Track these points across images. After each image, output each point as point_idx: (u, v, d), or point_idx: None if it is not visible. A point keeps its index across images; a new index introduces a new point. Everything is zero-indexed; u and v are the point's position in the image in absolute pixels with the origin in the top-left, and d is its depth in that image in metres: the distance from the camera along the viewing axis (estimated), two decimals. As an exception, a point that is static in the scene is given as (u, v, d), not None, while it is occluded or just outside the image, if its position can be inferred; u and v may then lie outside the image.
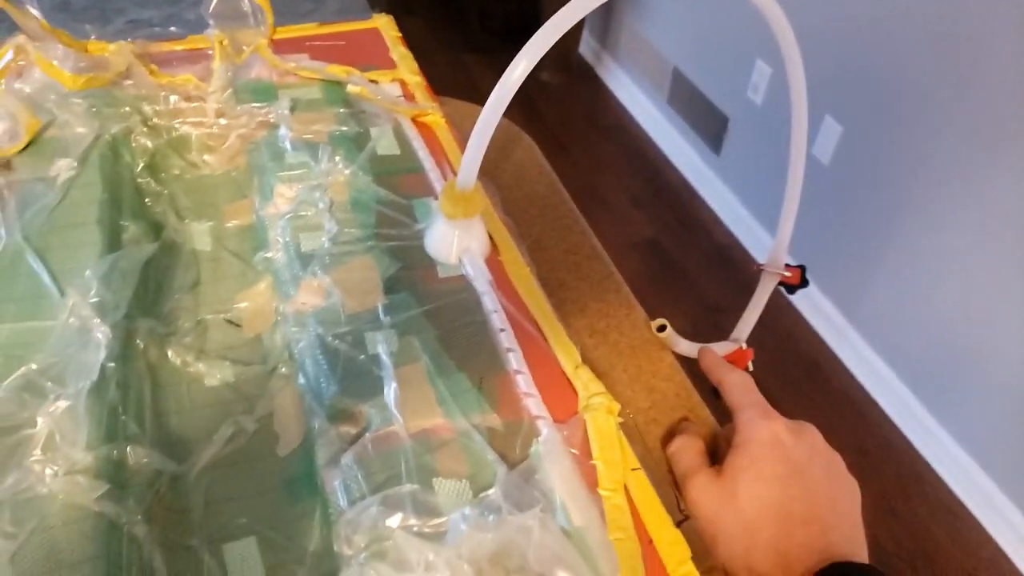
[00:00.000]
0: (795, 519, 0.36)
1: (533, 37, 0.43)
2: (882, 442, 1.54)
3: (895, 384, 1.54)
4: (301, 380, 0.42)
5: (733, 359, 0.55)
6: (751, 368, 0.58)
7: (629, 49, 2.31)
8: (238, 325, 0.48)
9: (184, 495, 0.38)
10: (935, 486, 1.48)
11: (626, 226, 1.97)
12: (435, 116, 0.59)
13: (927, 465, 1.50)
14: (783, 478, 0.37)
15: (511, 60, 0.39)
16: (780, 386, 1.59)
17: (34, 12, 0.56)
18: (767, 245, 1.87)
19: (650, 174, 2.14)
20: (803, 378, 1.63)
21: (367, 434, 0.38)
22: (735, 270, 1.86)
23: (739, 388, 0.42)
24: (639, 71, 2.28)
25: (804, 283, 0.56)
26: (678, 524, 0.35)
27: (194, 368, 0.44)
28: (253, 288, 0.49)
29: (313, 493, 0.39)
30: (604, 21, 2.43)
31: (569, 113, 2.36)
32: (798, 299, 1.76)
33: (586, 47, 2.56)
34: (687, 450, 0.42)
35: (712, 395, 0.55)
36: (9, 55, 0.53)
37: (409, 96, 0.61)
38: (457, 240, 0.47)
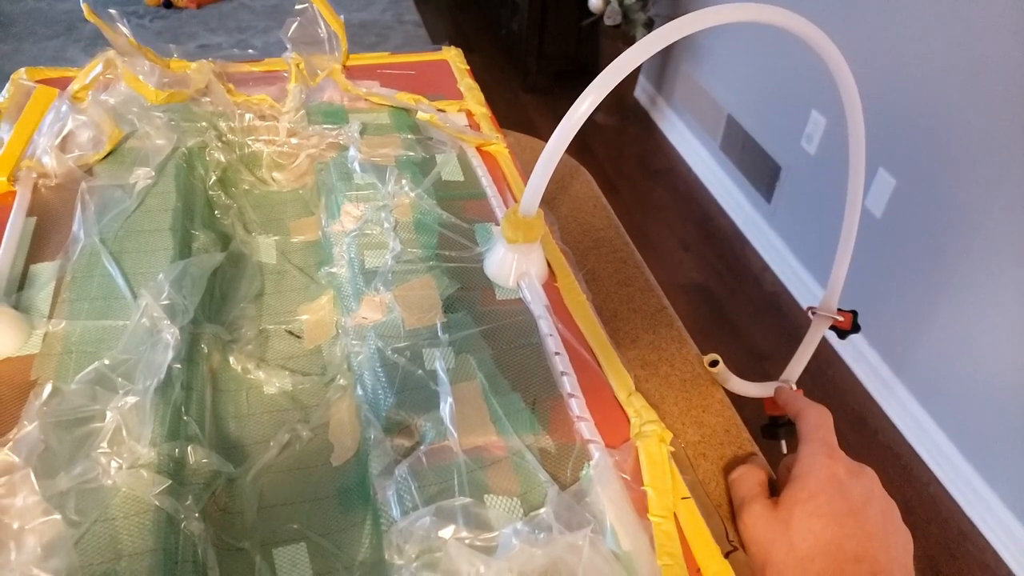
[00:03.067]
0: (847, 556, 0.35)
1: (601, 74, 0.44)
2: (927, 500, 1.49)
3: (941, 441, 1.50)
4: (359, 391, 0.42)
5: (787, 399, 0.55)
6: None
7: (684, 95, 2.32)
8: (299, 336, 0.49)
9: (238, 498, 0.39)
10: (980, 547, 1.42)
11: (675, 269, 1.96)
12: (499, 146, 0.60)
13: (972, 526, 1.45)
14: (840, 516, 0.37)
15: (567, 101, 0.40)
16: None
17: (124, 29, 0.59)
18: (816, 294, 1.84)
19: (700, 219, 2.14)
20: (848, 431, 1.59)
21: (421, 447, 0.38)
22: (783, 319, 1.84)
23: (813, 421, 0.43)
24: (693, 117, 2.29)
25: (856, 328, 0.56)
26: (726, 555, 0.35)
27: (254, 375, 0.46)
28: (315, 302, 0.50)
29: (365, 503, 0.39)
30: (660, 67, 2.45)
31: (621, 155, 2.37)
32: (845, 351, 1.72)
33: (641, 92, 2.59)
34: (748, 478, 0.42)
35: (763, 433, 0.54)
36: (99, 68, 0.56)
37: (474, 126, 0.63)
38: (516, 264, 0.47)
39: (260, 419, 0.44)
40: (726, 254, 2.02)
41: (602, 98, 0.43)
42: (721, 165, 2.17)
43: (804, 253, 1.85)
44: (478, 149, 0.60)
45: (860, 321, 0.56)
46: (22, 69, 0.61)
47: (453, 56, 0.72)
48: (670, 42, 0.42)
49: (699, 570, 0.34)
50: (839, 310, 0.55)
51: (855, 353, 1.69)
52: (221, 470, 0.39)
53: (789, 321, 1.83)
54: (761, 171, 1.96)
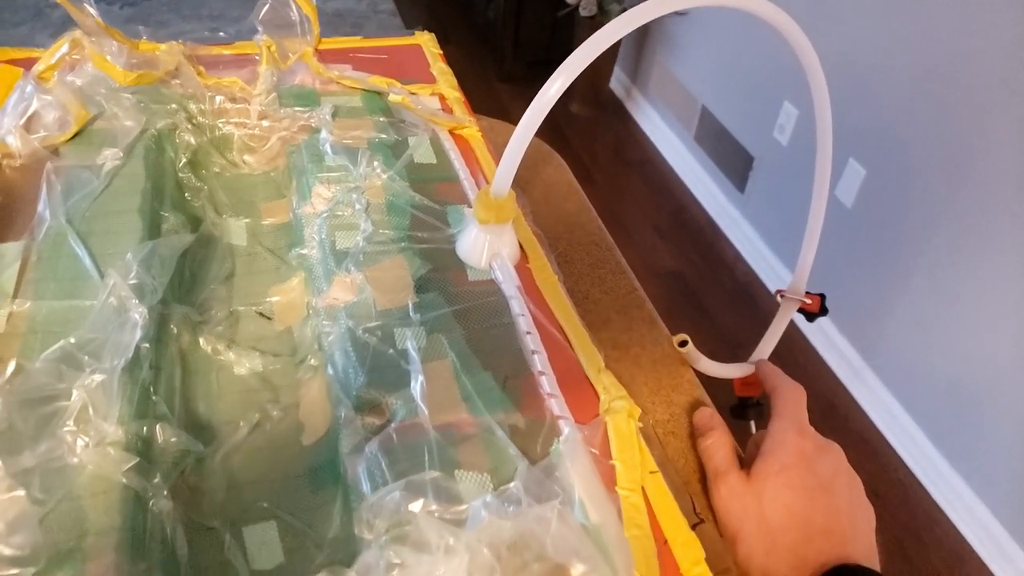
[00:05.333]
0: (816, 528, 0.36)
1: (572, 55, 0.44)
2: (896, 485, 1.52)
3: (910, 427, 1.52)
4: (330, 371, 0.42)
5: (752, 380, 0.56)
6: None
7: (659, 86, 2.34)
8: (269, 318, 0.49)
9: (208, 477, 0.39)
10: (947, 531, 1.45)
11: (649, 257, 1.97)
12: (472, 129, 0.60)
13: (940, 510, 1.48)
14: (810, 489, 0.38)
15: (541, 89, 0.41)
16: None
17: (91, 10, 0.58)
18: (787, 283, 1.86)
19: (675, 208, 2.15)
20: (819, 418, 1.61)
21: (392, 424, 0.38)
22: (755, 307, 1.86)
23: (788, 399, 0.44)
24: (667, 108, 2.30)
25: (824, 311, 0.57)
26: (693, 527, 0.35)
27: (224, 356, 0.45)
28: (286, 283, 0.50)
29: (335, 482, 0.39)
30: (635, 58, 2.46)
31: (597, 145, 2.38)
32: (815, 338, 1.74)
33: (617, 83, 2.60)
34: (720, 448, 0.43)
35: (732, 414, 0.55)
36: (64, 48, 0.55)
37: (447, 110, 0.63)
38: (488, 245, 0.48)
39: (230, 399, 0.43)
40: (700, 243, 2.04)
41: (573, 78, 0.43)
42: (695, 155, 2.18)
43: (776, 242, 1.88)
44: (451, 132, 0.60)
45: (830, 307, 0.57)
46: (-15, 49, 0.60)
47: (426, 40, 0.72)
48: (640, 24, 0.42)
49: (666, 542, 0.34)
50: (807, 293, 0.56)
51: (825, 340, 1.72)
52: (191, 449, 0.38)
53: (761, 309, 1.85)
54: (734, 162, 1.98)
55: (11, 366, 0.35)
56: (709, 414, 0.48)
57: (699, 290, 1.89)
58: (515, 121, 0.41)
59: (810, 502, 0.37)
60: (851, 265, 1.60)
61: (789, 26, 0.47)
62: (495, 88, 2.59)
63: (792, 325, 0.56)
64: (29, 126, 0.52)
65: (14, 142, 0.50)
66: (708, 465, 0.43)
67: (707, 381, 0.52)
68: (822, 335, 1.73)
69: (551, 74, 0.42)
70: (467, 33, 2.84)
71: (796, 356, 1.73)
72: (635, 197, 2.19)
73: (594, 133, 2.42)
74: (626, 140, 2.42)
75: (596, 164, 2.29)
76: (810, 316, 0.57)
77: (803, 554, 0.36)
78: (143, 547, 0.33)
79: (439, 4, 3.10)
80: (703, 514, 0.40)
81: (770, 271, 1.89)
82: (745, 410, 0.55)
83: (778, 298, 0.57)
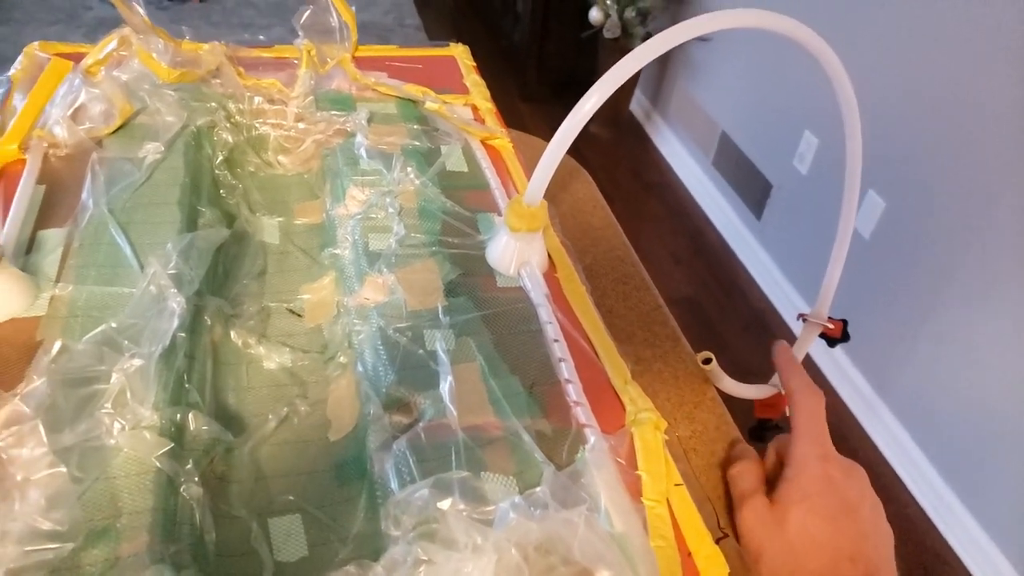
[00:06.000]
0: (843, 554, 0.36)
1: (607, 72, 0.45)
2: (905, 520, 1.51)
3: (922, 462, 1.51)
4: (359, 368, 0.43)
5: (772, 403, 0.56)
6: (788, 413, 0.58)
7: (679, 110, 2.35)
8: (299, 315, 0.49)
9: (236, 467, 0.40)
10: (955, 568, 1.43)
11: (665, 281, 1.97)
12: (503, 140, 0.61)
13: (949, 547, 1.46)
14: (835, 515, 0.38)
15: (563, 110, 0.42)
16: (806, 456, 1.57)
17: (139, 9, 0.59)
18: (804, 309, 1.86)
19: (692, 233, 2.16)
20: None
21: (420, 424, 0.39)
22: (768, 334, 1.85)
23: (806, 411, 0.43)
24: (687, 132, 2.31)
25: (845, 337, 0.57)
26: (717, 541, 0.35)
27: (254, 350, 0.46)
28: (317, 282, 0.51)
29: (361, 478, 0.39)
30: (656, 82, 2.47)
31: (615, 166, 2.39)
32: (829, 369, 1.74)
33: (637, 105, 2.61)
34: (747, 474, 0.43)
35: (750, 435, 0.55)
36: (113, 44, 0.57)
37: (479, 120, 0.64)
38: (518, 253, 0.48)
39: (259, 393, 0.44)
40: (716, 269, 2.04)
41: (608, 95, 0.44)
42: (713, 181, 2.19)
43: (792, 271, 1.88)
44: (482, 142, 0.60)
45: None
46: (35, 43, 0.61)
47: (460, 52, 0.73)
48: (678, 43, 0.43)
49: (690, 554, 0.35)
50: (830, 318, 0.56)
51: (838, 371, 1.71)
52: (220, 438, 0.39)
53: (775, 336, 1.84)
54: (752, 188, 1.98)
55: (56, 345, 0.36)
56: (743, 447, 0.48)
57: (715, 317, 1.89)
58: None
59: (836, 528, 0.37)
60: (867, 297, 1.60)
61: (824, 51, 0.47)
62: (517, 107, 2.61)
63: (807, 353, 0.56)
64: (75, 118, 0.53)
65: (61, 132, 0.51)
66: (735, 490, 0.43)
67: (729, 399, 0.53)
68: (835, 366, 1.72)
69: (575, 95, 0.42)
70: (491, 51, 2.87)
71: (808, 385, 1.72)
72: (652, 220, 2.20)
73: (613, 154, 2.43)
74: (644, 163, 2.43)
75: (614, 185, 2.30)
76: (831, 341, 0.57)
77: None
78: (174, 530, 0.34)
79: (464, 21, 3.14)
80: (727, 529, 0.40)
81: (785, 299, 1.89)
82: (764, 432, 0.55)
83: (800, 322, 0.57)
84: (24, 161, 0.50)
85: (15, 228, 0.45)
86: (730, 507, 0.43)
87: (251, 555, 0.36)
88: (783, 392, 0.57)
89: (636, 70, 0.43)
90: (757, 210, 1.97)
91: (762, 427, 0.56)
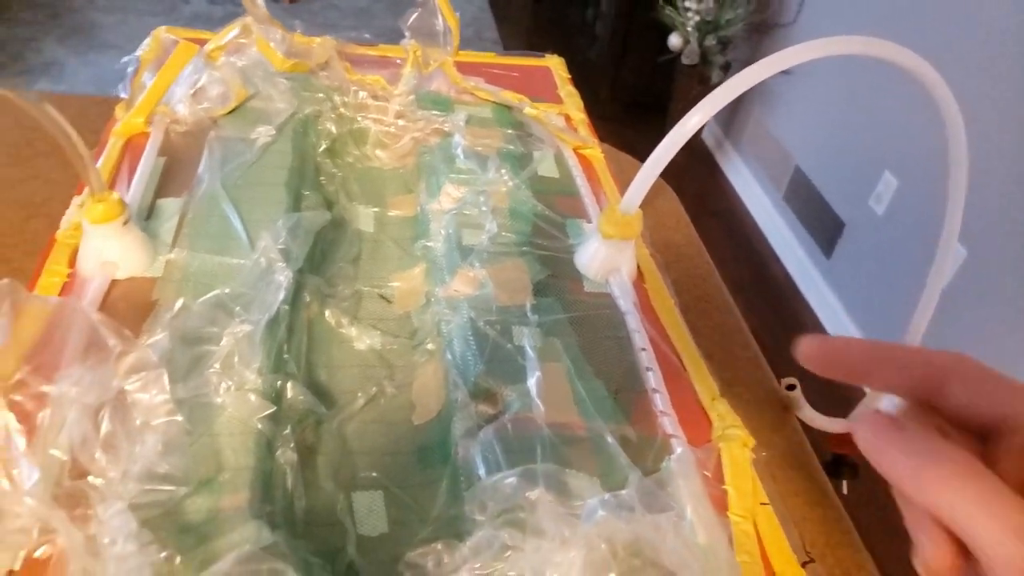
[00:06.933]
0: None
1: (717, 90, 0.45)
2: None
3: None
4: (447, 356, 0.44)
5: (848, 439, 0.55)
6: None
7: (752, 140, 2.33)
8: (390, 301, 0.51)
9: (324, 440, 0.41)
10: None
11: (723, 311, 1.95)
12: (595, 150, 0.62)
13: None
14: None
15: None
16: (870, 512, 1.53)
17: (260, 2, 0.62)
18: (866, 357, 1.81)
19: (756, 265, 2.13)
20: (894, 505, 1.56)
21: (506, 415, 0.39)
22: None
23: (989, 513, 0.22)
24: (759, 163, 2.29)
25: None
26: (803, 564, 0.35)
27: (346, 331, 0.47)
28: (408, 271, 0.52)
29: (443, 462, 0.40)
30: (730, 109, 2.46)
31: (680, 190, 2.37)
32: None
33: (709, 133, 2.60)
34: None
35: (826, 470, 0.54)
36: (235, 32, 0.59)
37: (572, 130, 0.65)
38: (608, 260, 0.49)
39: (349, 371, 0.45)
40: (777, 303, 2.01)
41: (712, 114, 0.45)
42: (782, 214, 2.16)
43: (861, 314, 1.83)
44: (575, 151, 0.61)
45: None
46: (162, 27, 0.64)
47: (555, 64, 0.74)
48: (795, 63, 0.43)
49: (774, 575, 0.34)
50: None
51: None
52: (314, 410, 0.40)
53: (836, 382, 1.80)
54: (824, 225, 1.95)
55: (179, 303, 0.38)
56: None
57: (773, 352, 1.86)
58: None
59: None
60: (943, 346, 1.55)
61: (932, 77, 0.46)
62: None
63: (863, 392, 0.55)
64: (196, 97, 0.55)
65: (182, 110, 0.54)
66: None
67: (811, 429, 0.52)
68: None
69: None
70: (567, 67, 2.89)
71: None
72: (714, 248, 2.17)
73: (680, 179, 2.42)
74: (711, 190, 2.41)
75: (680, 211, 2.29)
76: None
77: None
78: (270, 491, 0.35)
79: (540, 37, 3.17)
80: (813, 554, 0.40)
81: (848, 341, 1.85)
82: (840, 468, 0.54)
83: None
84: (148, 135, 0.53)
85: (138, 195, 0.47)
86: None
87: (335, 526, 0.37)
88: None
89: (748, 87, 0.44)
90: (827, 248, 1.94)
91: (838, 462, 0.55)
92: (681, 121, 0.45)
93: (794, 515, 0.44)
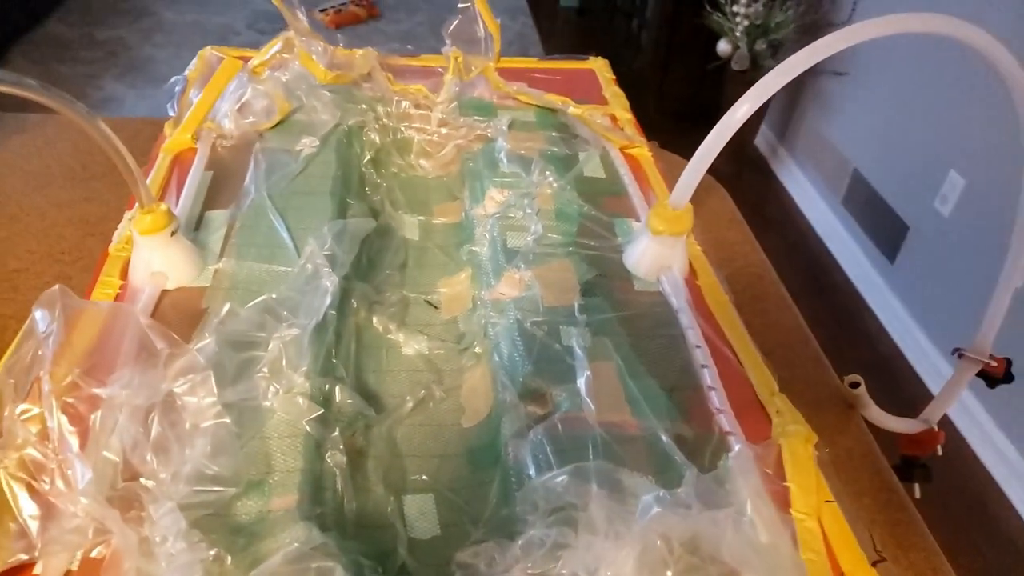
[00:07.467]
0: None
1: (764, 78, 0.44)
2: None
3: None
4: (495, 358, 0.43)
5: (922, 439, 0.52)
6: (940, 452, 0.54)
7: (808, 146, 2.27)
8: (436, 307, 0.50)
9: (374, 444, 0.40)
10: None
11: (782, 320, 1.90)
12: (643, 149, 0.60)
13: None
14: None
15: (681, 140, 0.41)
16: (938, 518, 1.45)
17: (301, 15, 0.63)
18: (937, 364, 1.73)
19: (814, 272, 2.07)
20: (963, 514, 1.48)
21: (556, 415, 0.38)
22: (896, 384, 1.74)
23: None
24: (815, 169, 2.23)
25: (1008, 378, 0.52)
26: (873, 564, 0.33)
27: (394, 336, 0.47)
28: (454, 277, 0.52)
29: (494, 464, 0.39)
30: (784, 115, 2.41)
31: (734, 199, 2.33)
32: (967, 427, 1.61)
33: (762, 140, 2.55)
34: None
35: (898, 473, 0.51)
36: (278, 46, 0.61)
37: (619, 129, 0.64)
38: (659, 258, 0.47)
39: (397, 376, 0.45)
40: (838, 310, 1.94)
41: (760, 104, 0.43)
42: (841, 220, 2.10)
43: (926, 319, 1.76)
44: (621, 150, 0.60)
45: (991, 397, 0.53)
46: (208, 47, 0.66)
47: (600, 65, 0.73)
48: (855, 43, 0.41)
49: (843, 574, 0.32)
50: (991, 355, 0.52)
51: (979, 432, 1.59)
52: (363, 413, 0.40)
53: (901, 386, 1.73)
54: (886, 230, 1.88)
55: (226, 308, 0.38)
56: None
57: (832, 357, 1.80)
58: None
59: None
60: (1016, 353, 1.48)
61: (1004, 60, 0.44)
62: (637, 137, 2.60)
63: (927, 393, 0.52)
64: (241, 112, 0.56)
65: (228, 125, 0.55)
66: None
67: (875, 429, 0.49)
68: (973, 423, 1.60)
69: (694, 127, 0.42)
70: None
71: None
72: (770, 256, 2.12)
73: (733, 188, 2.38)
74: (767, 197, 2.36)
75: (734, 220, 2.24)
76: (992, 381, 0.52)
77: None
78: (320, 493, 0.35)
79: (585, 51, 3.17)
80: (884, 553, 0.37)
81: (916, 348, 1.78)
82: (910, 470, 0.51)
83: (956, 357, 0.53)
84: (195, 150, 0.54)
85: (187, 207, 0.48)
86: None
87: (387, 528, 0.36)
88: (935, 429, 0.53)
89: (800, 72, 0.42)
90: (890, 253, 1.87)
91: (908, 464, 0.52)
92: (730, 111, 0.43)
93: (863, 518, 0.42)
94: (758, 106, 0.44)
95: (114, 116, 2.08)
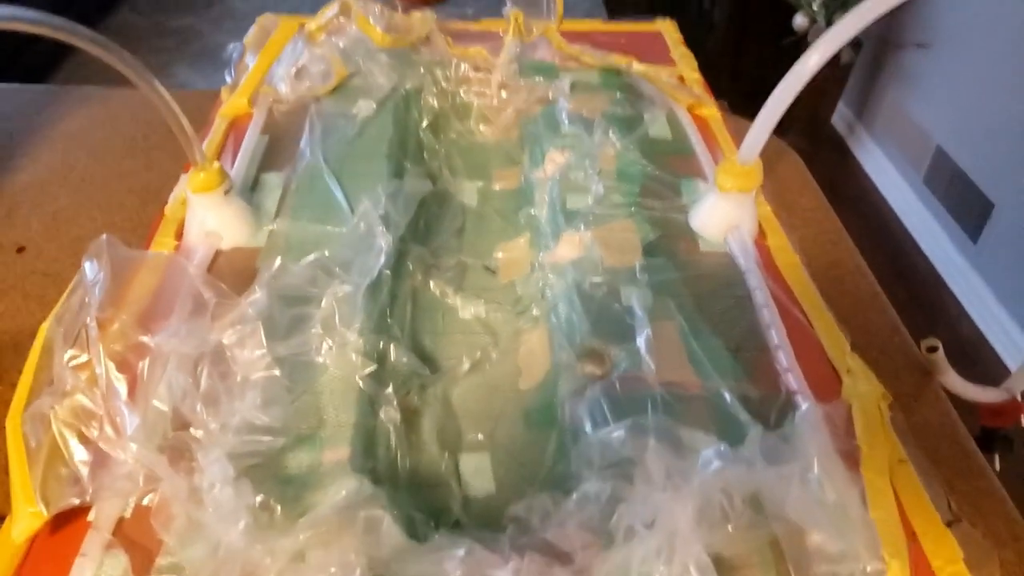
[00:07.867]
0: None
1: (839, 23, 0.41)
2: None
3: None
4: (552, 319, 0.42)
5: (1004, 409, 0.48)
6: (1023, 424, 0.51)
7: (888, 123, 2.17)
8: (494, 272, 0.49)
9: (429, 403, 0.40)
10: None
11: (857, 302, 1.83)
12: (711, 109, 0.58)
13: None
14: None
15: (751, 120, 0.39)
16: (1020, 489, 1.38)
17: (361, -19, 0.62)
18: (1019, 344, 1.64)
19: (892, 253, 1.98)
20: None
21: (615, 374, 0.37)
22: (978, 368, 1.66)
23: None
24: (895, 147, 2.14)
25: None
26: (948, 524, 0.31)
27: (451, 300, 0.46)
28: (512, 241, 0.51)
29: (550, 426, 0.38)
30: (863, 92, 2.31)
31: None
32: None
33: (839, 118, 2.45)
34: None
35: (979, 443, 0.48)
36: (335, 10, 0.60)
37: (687, 88, 0.61)
38: (727, 216, 0.45)
39: (453, 339, 0.44)
40: (918, 293, 1.86)
41: (831, 53, 0.41)
42: (922, 198, 2.00)
43: (1013, 301, 1.67)
44: (689, 110, 0.58)
45: None
46: (267, 13, 0.66)
47: (667, 27, 0.71)
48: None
49: (915, 535, 0.30)
50: None
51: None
52: (418, 372, 0.39)
53: (984, 370, 1.65)
54: (969, 208, 1.79)
55: (277, 262, 0.38)
56: None
57: (913, 340, 1.72)
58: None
59: None
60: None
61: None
62: (705, 116, 2.53)
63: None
64: (297, 76, 0.56)
65: (284, 89, 0.55)
66: None
67: (954, 397, 0.46)
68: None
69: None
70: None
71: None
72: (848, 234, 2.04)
73: (809, 166, 2.30)
74: (843, 176, 2.27)
75: (807, 199, 2.17)
76: None
77: None
78: (372, 448, 0.34)
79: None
80: (959, 513, 0.35)
81: (1000, 331, 1.68)
82: (991, 442, 0.48)
83: None
84: (251, 114, 0.54)
85: (242, 170, 0.48)
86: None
87: (441, 487, 0.36)
88: (1019, 398, 0.49)
89: (877, 15, 0.39)
90: (974, 232, 1.78)
91: (989, 436, 0.48)
92: (800, 59, 0.41)
93: (938, 478, 0.39)
94: (828, 57, 0.41)
95: (185, 99, 2.15)
